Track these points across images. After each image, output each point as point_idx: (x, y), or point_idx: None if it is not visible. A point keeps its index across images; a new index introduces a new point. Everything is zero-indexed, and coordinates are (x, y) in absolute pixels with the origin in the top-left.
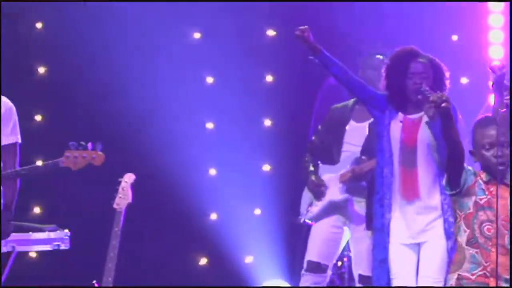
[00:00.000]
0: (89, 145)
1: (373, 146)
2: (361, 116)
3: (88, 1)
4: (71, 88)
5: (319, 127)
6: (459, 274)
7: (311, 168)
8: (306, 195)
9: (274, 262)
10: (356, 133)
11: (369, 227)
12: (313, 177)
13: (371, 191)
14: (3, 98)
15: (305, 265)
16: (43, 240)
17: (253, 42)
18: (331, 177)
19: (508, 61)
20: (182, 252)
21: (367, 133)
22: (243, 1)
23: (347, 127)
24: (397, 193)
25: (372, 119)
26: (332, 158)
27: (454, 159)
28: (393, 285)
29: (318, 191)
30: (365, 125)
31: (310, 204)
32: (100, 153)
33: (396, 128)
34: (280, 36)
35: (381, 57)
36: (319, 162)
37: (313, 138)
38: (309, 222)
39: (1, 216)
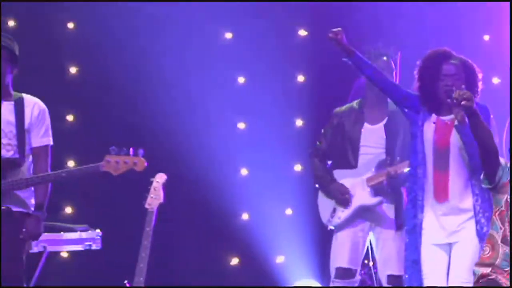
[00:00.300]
0: (130, 150)
1: (395, 147)
2: (373, 118)
3: (120, 1)
4: (103, 88)
5: (323, 131)
6: (492, 269)
7: (327, 174)
8: (326, 201)
9: (305, 262)
10: (372, 136)
11: (398, 227)
12: (336, 184)
13: (399, 192)
14: (36, 100)
15: (334, 272)
16: (74, 240)
17: (285, 42)
18: (355, 182)
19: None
20: (213, 252)
21: (383, 135)
22: (275, 1)
23: (362, 130)
24: (429, 194)
25: (386, 120)
26: (349, 162)
27: (485, 157)
28: (425, 284)
29: (344, 199)
30: (380, 126)
31: (334, 210)
32: (142, 158)
33: (429, 129)
34: (312, 36)
35: (385, 58)
36: (328, 166)
37: (318, 142)
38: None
39: (33, 216)
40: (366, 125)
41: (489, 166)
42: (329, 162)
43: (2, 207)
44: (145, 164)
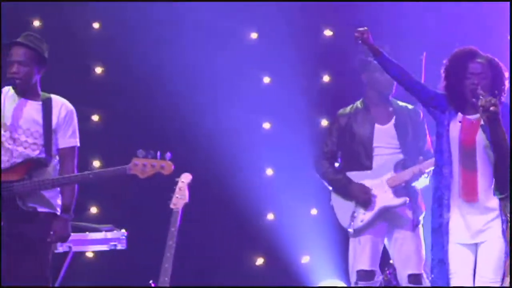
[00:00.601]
0: (158, 153)
1: (407, 146)
2: (382, 118)
3: (146, 1)
4: (128, 88)
5: (329, 133)
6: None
7: (342, 175)
8: (343, 203)
9: (330, 262)
10: (383, 136)
11: (414, 227)
12: (356, 185)
13: (414, 191)
14: (64, 101)
15: (355, 275)
16: (99, 240)
17: (310, 42)
18: (374, 183)
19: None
20: (238, 252)
21: (394, 134)
22: (300, 1)
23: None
24: (456, 194)
25: (394, 119)
26: (362, 164)
27: (500, 163)
28: (452, 284)
29: (368, 199)
30: (390, 126)
31: (353, 213)
32: (169, 162)
33: (455, 128)
34: (337, 36)
35: None
36: (337, 168)
37: (325, 144)
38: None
39: (61, 219)
40: (376, 125)
41: (502, 173)
42: (337, 165)
43: (28, 208)
44: (172, 168)
